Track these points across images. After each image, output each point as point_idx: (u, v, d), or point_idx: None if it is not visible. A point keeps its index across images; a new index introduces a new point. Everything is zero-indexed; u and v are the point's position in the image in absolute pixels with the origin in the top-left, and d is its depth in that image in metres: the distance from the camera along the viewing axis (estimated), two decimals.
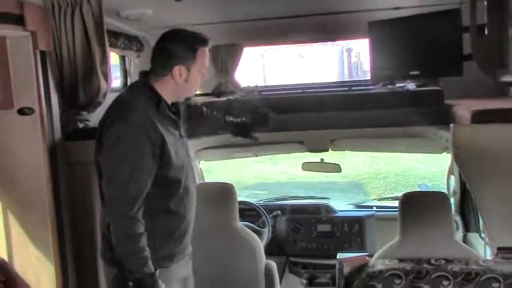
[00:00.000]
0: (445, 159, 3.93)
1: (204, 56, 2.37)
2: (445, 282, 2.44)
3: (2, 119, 2.69)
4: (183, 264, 2.51)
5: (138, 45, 3.70)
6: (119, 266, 2.24)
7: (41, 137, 2.71)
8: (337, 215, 4.11)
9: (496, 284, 2.40)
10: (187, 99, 2.68)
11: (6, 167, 2.74)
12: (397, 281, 2.47)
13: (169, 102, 2.39)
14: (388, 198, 4.52)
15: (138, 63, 3.77)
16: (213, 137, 3.42)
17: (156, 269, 2.23)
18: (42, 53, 2.70)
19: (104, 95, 2.98)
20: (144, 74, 2.43)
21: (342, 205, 4.38)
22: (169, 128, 2.36)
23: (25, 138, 2.71)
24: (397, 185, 11.31)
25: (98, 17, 2.82)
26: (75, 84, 2.87)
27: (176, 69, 2.31)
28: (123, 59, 3.81)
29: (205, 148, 3.65)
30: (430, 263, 2.50)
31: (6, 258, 2.80)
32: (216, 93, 3.96)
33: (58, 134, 2.83)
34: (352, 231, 3.94)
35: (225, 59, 4.02)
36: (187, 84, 2.37)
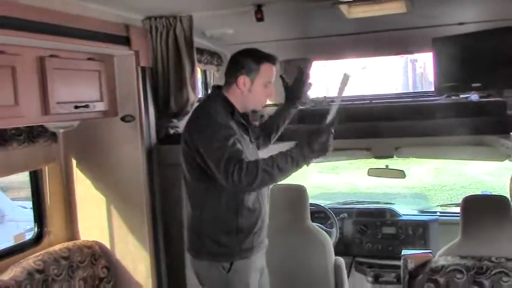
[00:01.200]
0: None
1: (268, 71, 2.62)
2: (505, 279, 2.63)
3: (108, 125, 3.12)
4: (260, 256, 2.77)
5: (218, 60, 4.08)
6: None
7: (140, 141, 3.12)
8: (401, 218, 4.30)
9: None
10: (255, 112, 2.90)
11: (111, 166, 3.17)
12: (459, 276, 2.68)
13: (241, 111, 2.66)
14: (452, 204, 4.64)
15: (218, 76, 4.14)
16: (288, 143, 3.71)
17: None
18: (143, 69, 3.13)
19: (192, 105, 3.37)
20: (216, 87, 2.72)
21: (406, 210, 4.56)
22: (242, 133, 2.62)
23: (127, 142, 3.14)
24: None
25: (189, 37, 3.21)
26: (168, 96, 3.28)
27: (241, 79, 2.58)
28: (204, 72, 4.22)
29: None
30: (491, 260, 2.69)
31: (108, 246, 3.23)
32: None
33: (153, 138, 3.24)
34: (416, 234, 4.12)
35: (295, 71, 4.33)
36: (250, 94, 2.61)
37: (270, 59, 2.63)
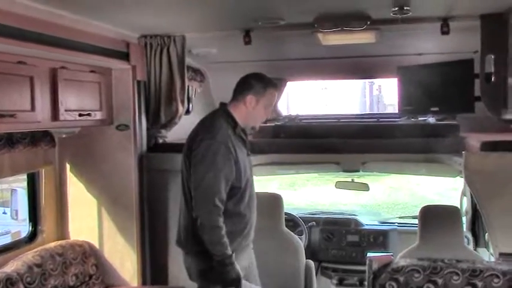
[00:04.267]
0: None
1: (272, 95, 2.98)
2: (455, 277, 3.01)
3: (102, 132, 3.38)
4: (246, 257, 3.04)
5: (201, 77, 4.38)
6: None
7: (133, 148, 3.40)
8: (364, 227, 4.68)
9: (496, 280, 2.96)
10: (253, 128, 3.21)
11: (103, 171, 3.42)
12: (416, 275, 3.04)
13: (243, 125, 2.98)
14: (409, 216, 5.05)
15: (199, 91, 4.43)
16: (264, 155, 4.02)
17: (233, 252, 2.80)
18: (138, 82, 3.41)
19: (180, 117, 3.67)
20: (223, 104, 3.01)
21: (368, 220, 4.96)
22: (240, 147, 2.93)
23: (120, 149, 3.40)
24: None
25: (181, 55, 3.52)
26: (159, 107, 3.57)
27: (248, 98, 2.91)
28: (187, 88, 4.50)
29: (256, 165, 4.25)
30: (444, 261, 3.07)
31: (97, 246, 3.46)
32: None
33: (144, 146, 3.52)
34: (377, 241, 4.50)
35: None
36: (253, 112, 2.94)
37: (275, 86, 3.01)
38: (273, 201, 3.75)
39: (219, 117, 2.94)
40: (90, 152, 3.41)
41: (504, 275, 2.97)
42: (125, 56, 3.25)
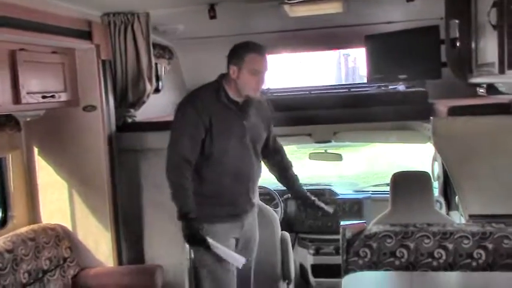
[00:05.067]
0: None
1: (253, 59, 2.92)
2: (427, 241, 3.08)
3: (69, 114, 3.32)
4: (227, 228, 3.06)
5: (169, 54, 4.32)
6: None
7: (101, 129, 3.35)
8: (339, 197, 4.74)
9: (466, 241, 3.04)
10: (249, 98, 3.02)
11: (73, 153, 3.37)
12: (389, 240, 3.10)
13: (235, 97, 2.98)
14: (382, 184, 5.11)
15: (169, 69, 4.38)
16: None
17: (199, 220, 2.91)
18: (103, 61, 3.35)
19: (148, 96, 3.62)
20: (222, 74, 3.05)
21: (343, 190, 5.01)
22: (228, 116, 2.96)
23: (88, 130, 3.35)
24: None
25: (146, 33, 3.46)
26: (126, 87, 3.51)
27: (231, 68, 2.95)
28: (156, 66, 4.44)
29: None
30: (415, 226, 3.14)
31: (70, 228, 3.43)
32: None
33: (113, 127, 3.47)
34: (352, 210, 4.57)
35: None
36: (240, 81, 2.94)
37: (255, 49, 2.94)
38: None
39: (207, 85, 3.04)
40: (58, 134, 3.36)
41: (473, 236, 3.06)
42: (87, 36, 3.18)
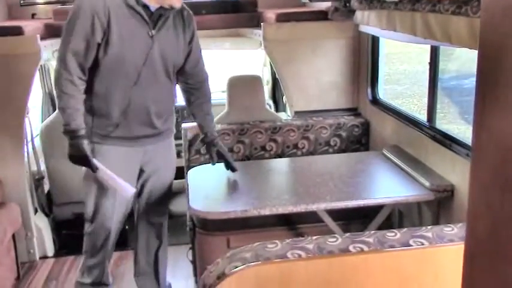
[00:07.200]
0: None
1: None
2: (259, 136, 3.45)
3: None
4: (121, 151, 2.70)
5: None
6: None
7: None
8: (178, 104, 4.87)
9: (292, 133, 3.48)
10: (171, 7, 2.56)
11: None
12: (227, 137, 3.41)
13: (150, 1, 2.52)
14: (219, 91, 5.36)
15: None
16: None
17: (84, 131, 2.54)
18: None
19: None
20: None
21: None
22: (130, 22, 2.53)
23: None
24: None
25: None
26: None
27: None
28: None
29: None
30: (249, 123, 3.48)
31: None
32: (61, 0, 4.29)
33: None
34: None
35: None
36: None
37: None
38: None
39: None
40: None
41: (298, 129, 3.50)
42: None
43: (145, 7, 2.55)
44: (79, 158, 2.56)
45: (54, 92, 2.63)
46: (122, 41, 2.52)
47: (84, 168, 2.68)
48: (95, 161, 2.59)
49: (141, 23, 2.56)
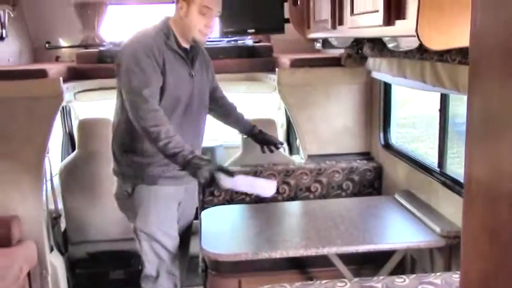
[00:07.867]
0: None
1: None
2: (273, 178, 3.49)
3: None
4: (171, 189, 2.77)
5: (14, 0, 4.08)
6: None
7: None
8: None
9: (305, 177, 3.51)
10: (195, 41, 2.68)
11: None
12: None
13: (182, 42, 2.66)
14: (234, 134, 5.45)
15: (13, 16, 4.15)
16: (89, 81, 3.99)
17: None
18: None
19: None
20: (167, 17, 2.71)
21: None
22: (177, 63, 2.64)
23: None
24: None
25: None
26: None
27: (179, 4, 2.61)
28: None
29: (81, 91, 4.19)
30: (263, 166, 3.53)
31: None
32: (84, 45, 4.48)
33: None
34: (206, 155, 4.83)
35: (91, 15, 4.57)
36: (187, 19, 2.60)
37: None
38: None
39: (153, 26, 2.67)
40: None
41: (311, 172, 3.54)
42: None
43: (183, 48, 2.69)
44: (211, 177, 2.46)
45: (139, 137, 2.61)
46: (175, 85, 2.62)
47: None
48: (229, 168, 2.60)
49: (183, 65, 2.69)
